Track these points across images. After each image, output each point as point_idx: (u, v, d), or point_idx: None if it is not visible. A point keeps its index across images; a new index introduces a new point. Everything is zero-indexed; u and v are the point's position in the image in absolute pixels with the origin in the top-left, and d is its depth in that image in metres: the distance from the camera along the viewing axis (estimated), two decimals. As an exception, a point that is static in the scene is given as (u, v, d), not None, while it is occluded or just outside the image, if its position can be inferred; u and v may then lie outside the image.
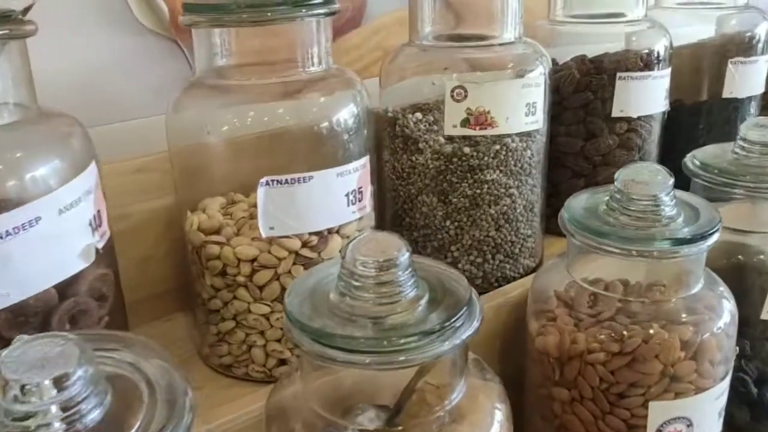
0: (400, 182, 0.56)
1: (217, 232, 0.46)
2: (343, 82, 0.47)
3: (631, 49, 0.62)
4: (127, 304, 0.54)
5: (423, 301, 0.34)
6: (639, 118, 0.63)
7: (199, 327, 0.49)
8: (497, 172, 0.53)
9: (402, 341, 0.31)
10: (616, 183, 0.45)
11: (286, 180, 0.42)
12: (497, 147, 0.53)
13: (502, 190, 0.54)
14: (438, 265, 0.38)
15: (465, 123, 0.52)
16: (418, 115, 0.54)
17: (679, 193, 0.47)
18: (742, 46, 0.70)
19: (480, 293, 0.54)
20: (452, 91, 0.51)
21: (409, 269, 0.35)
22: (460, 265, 0.56)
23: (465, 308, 0.34)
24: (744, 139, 0.55)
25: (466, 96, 0.51)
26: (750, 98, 0.72)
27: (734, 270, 0.56)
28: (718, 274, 0.52)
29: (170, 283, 0.53)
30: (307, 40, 0.45)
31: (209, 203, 0.47)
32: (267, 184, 0.42)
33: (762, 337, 0.57)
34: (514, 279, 0.57)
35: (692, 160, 0.57)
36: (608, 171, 0.64)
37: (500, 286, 0.56)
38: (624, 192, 0.45)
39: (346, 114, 0.46)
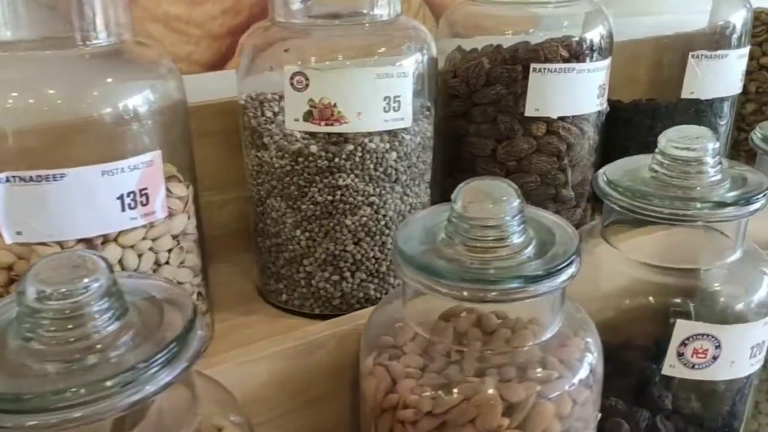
0: (252, 181, 0.48)
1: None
2: (137, 60, 0.40)
3: (555, 37, 0.52)
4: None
5: (126, 338, 0.28)
6: (562, 118, 0.53)
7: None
8: (352, 176, 0.45)
9: (82, 393, 0.25)
10: (453, 203, 0.36)
11: (32, 177, 0.35)
12: (351, 147, 0.44)
13: (361, 198, 0.45)
14: (164, 284, 0.31)
15: (308, 116, 0.43)
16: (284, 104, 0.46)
17: (535, 212, 0.38)
18: (710, 38, 0.59)
19: (337, 315, 0.46)
20: (291, 78, 0.43)
21: (107, 298, 0.28)
22: (314, 283, 0.48)
23: (174, 344, 0.27)
24: (662, 153, 0.45)
25: (307, 85, 0.43)
26: (720, 100, 0.60)
27: (644, 313, 0.46)
28: (621, 318, 0.42)
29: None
30: (86, 5, 0.37)
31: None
32: (8, 180, 0.35)
33: (689, 389, 0.48)
34: (383, 301, 0.49)
35: (603, 176, 0.46)
36: (525, 179, 0.54)
37: (363, 308, 0.47)
38: (463, 216, 0.36)
39: (138, 100, 0.38)
